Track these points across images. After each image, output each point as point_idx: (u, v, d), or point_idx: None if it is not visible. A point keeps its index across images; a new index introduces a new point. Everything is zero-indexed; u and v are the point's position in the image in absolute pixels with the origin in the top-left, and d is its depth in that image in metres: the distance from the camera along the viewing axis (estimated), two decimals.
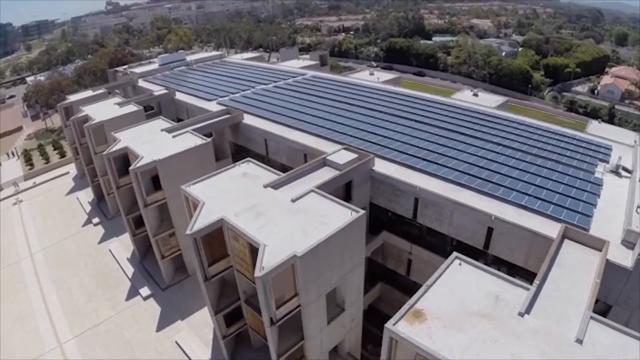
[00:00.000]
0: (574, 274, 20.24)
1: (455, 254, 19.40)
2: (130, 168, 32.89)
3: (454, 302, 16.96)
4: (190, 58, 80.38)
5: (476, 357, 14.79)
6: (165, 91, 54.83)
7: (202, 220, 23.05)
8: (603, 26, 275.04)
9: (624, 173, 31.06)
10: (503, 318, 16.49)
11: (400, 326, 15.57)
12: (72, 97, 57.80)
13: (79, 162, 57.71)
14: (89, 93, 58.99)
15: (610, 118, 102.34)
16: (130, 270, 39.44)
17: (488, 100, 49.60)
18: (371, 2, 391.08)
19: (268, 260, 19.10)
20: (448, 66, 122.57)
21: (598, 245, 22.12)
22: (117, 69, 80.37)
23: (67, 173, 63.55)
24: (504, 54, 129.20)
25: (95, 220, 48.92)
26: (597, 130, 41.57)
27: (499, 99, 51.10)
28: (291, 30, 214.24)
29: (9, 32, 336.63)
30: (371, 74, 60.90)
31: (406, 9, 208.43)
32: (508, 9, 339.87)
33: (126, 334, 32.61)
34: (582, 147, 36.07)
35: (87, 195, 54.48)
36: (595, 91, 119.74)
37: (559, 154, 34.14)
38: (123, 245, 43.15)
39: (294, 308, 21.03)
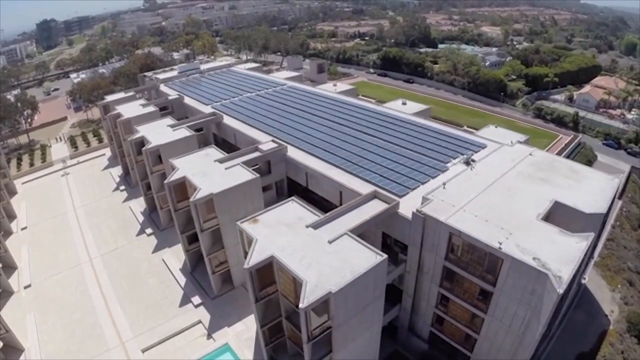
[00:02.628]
0: (364, 215, 34.53)
1: (293, 197, 35.84)
2: (143, 149, 51.26)
3: (276, 218, 32.96)
4: (203, 67, 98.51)
5: (270, 239, 30.20)
6: (177, 96, 73.40)
7: (174, 177, 40.99)
8: (622, 35, 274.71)
9: (472, 164, 44.26)
10: (296, 227, 31.96)
11: (244, 224, 32.05)
12: (109, 97, 77.67)
13: (112, 146, 77.32)
14: (121, 95, 78.74)
15: (575, 125, 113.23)
16: (141, 218, 58.22)
17: (411, 108, 63.71)
18: (397, 5, 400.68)
19: (199, 196, 36.62)
20: (434, 74, 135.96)
21: (390, 202, 36.42)
22: (145, 74, 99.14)
23: (104, 154, 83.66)
24: (488, 63, 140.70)
25: (122, 187, 68.25)
26: (488, 133, 52.88)
27: (420, 107, 64.82)
28: (308, 35, 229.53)
29: (52, 27, 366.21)
30: (334, 85, 77.22)
31: (413, 17, 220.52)
32: (528, 15, 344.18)
33: (133, 254, 51.27)
34: (454, 144, 48.36)
35: (117, 170, 74.08)
36: (573, 100, 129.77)
37: (427, 148, 47.35)
38: (139, 203, 62.02)
39: (215, 224, 38.51)
